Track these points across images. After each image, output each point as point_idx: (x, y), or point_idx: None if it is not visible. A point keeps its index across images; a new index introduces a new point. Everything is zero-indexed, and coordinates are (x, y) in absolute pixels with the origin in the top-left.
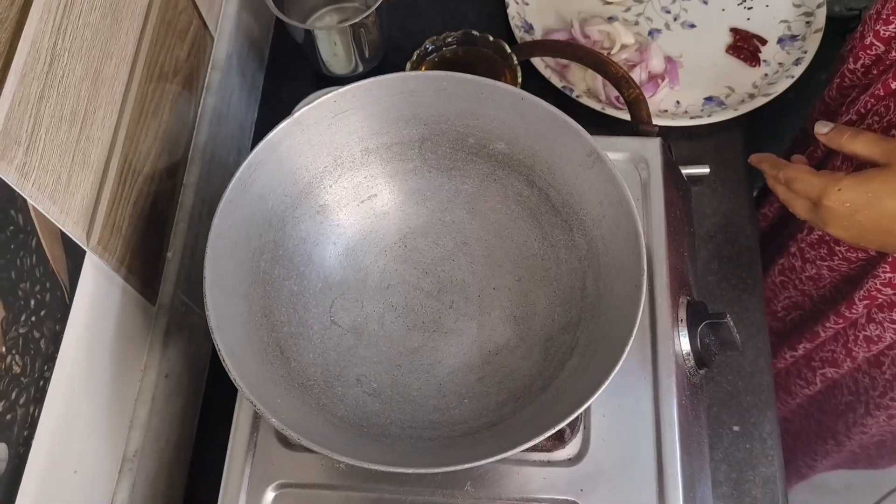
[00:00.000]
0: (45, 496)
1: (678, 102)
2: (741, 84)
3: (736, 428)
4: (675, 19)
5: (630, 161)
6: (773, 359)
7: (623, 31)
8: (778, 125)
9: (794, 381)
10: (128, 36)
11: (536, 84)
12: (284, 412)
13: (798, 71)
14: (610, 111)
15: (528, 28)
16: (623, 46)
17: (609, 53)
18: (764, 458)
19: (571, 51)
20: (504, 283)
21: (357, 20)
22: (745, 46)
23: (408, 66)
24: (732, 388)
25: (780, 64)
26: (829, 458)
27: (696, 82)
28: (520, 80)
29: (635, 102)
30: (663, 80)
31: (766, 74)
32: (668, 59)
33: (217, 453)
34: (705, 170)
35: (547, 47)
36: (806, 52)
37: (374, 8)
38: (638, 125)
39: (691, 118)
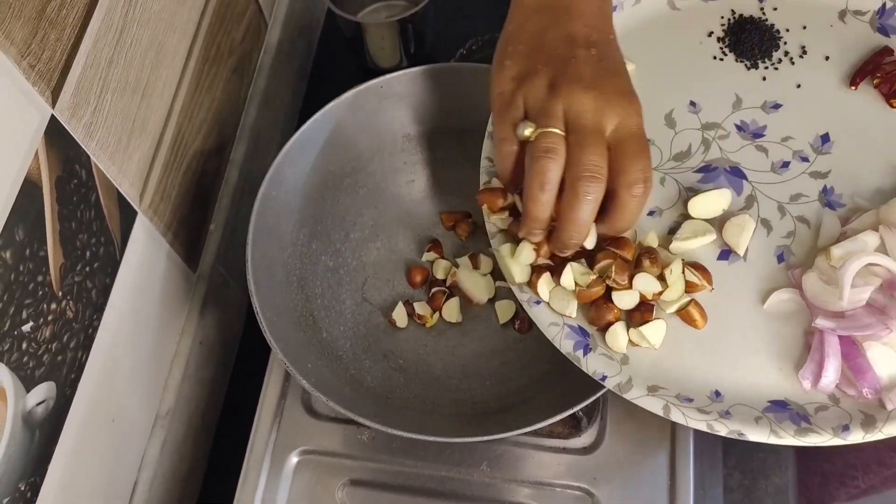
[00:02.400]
0: (86, 438)
1: None
2: None
3: None
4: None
5: None
6: None
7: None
8: None
9: None
10: (190, 13)
11: None
12: (314, 376)
13: None
14: None
15: None
16: None
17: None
18: (777, 468)
19: None
20: None
21: (405, 16)
22: None
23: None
24: None
25: None
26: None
27: None
28: None
29: None
30: None
31: None
32: None
33: (241, 426)
34: None
35: None
36: None
37: (422, 5)
38: None
39: None
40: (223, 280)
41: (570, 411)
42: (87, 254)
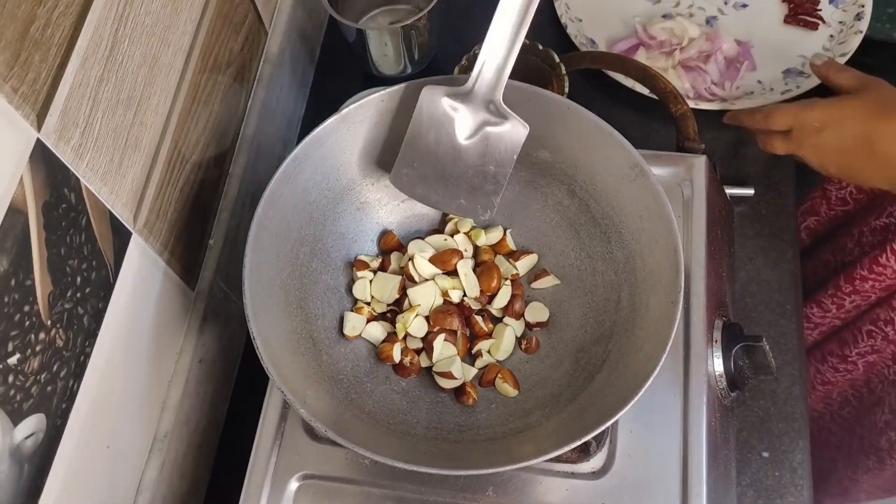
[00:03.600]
0: (78, 467)
1: (760, 82)
2: (812, 50)
3: (765, 454)
4: (725, 2)
5: (674, 178)
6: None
7: (687, 24)
8: None
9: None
10: (186, 26)
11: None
12: (313, 403)
13: (863, 25)
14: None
15: (591, 43)
16: (691, 40)
17: (680, 48)
18: (793, 488)
19: (620, 64)
20: (537, 292)
21: (408, 22)
22: (800, 12)
23: (456, 70)
24: (764, 413)
25: (840, 23)
26: (872, 474)
27: (768, 59)
28: (566, 90)
29: (682, 119)
30: (742, 63)
31: (831, 36)
32: (738, 42)
33: (244, 440)
34: (749, 191)
35: (596, 59)
36: (864, 6)
37: (426, 11)
38: (684, 142)
39: (782, 93)
40: (224, 294)
41: (583, 440)
42: (78, 279)
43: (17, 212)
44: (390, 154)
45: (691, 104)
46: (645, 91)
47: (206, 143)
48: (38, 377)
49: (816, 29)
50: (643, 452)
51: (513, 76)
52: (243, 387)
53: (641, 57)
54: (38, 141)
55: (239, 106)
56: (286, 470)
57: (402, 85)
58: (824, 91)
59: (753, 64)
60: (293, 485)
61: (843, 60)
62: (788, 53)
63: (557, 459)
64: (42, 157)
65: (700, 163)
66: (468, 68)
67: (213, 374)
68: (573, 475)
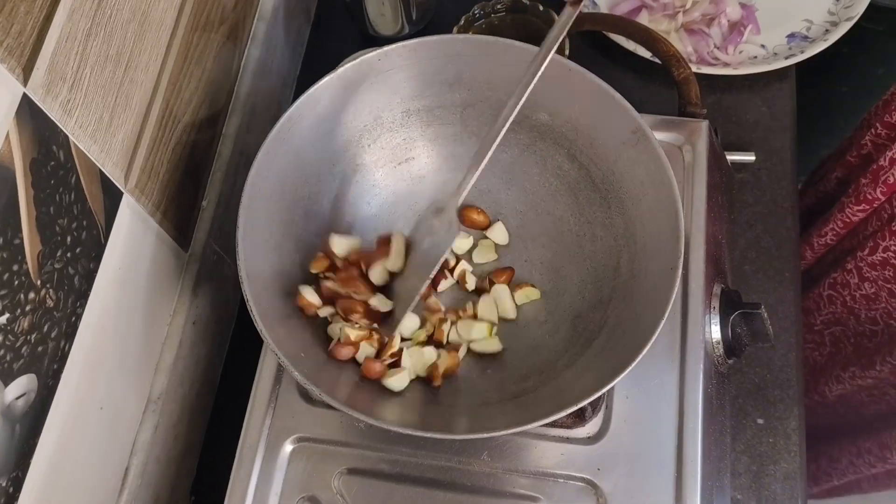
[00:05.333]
0: (71, 429)
1: (763, 46)
2: (817, 14)
3: (760, 421)
4: None
5: (675, 142)
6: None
7: None
8: (831, 118)
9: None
10: None
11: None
12: (308, 367)
13: None
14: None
15: (593, 5)
16: (695, 2)
17: (683, 10)
18: (787, 454)
19: (622, 26)
20: (536, 257)
21: None
22: None
23: (454, 30)
24: (760, 380)
25: None
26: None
27: (772, 23)
28: (567, 52)
29: (684, 83)
30: (745, 26)
31: (836, 0)
32: (742, 5)
33: (238, 403)
34: (751, 157)
35: (599, 20)
36: None
37: None
38: (686, 106)
39: (786, 58)
40: (217, 256)
41: (579, 406)
42: (68, 239)
43: (4, 168)
44: (388, 115)
45: (693, 69)
46: (646, 54)
47: (199, 102)
48: (29, 337)
49: None
50: (639, 418)
51: (512, 37)
52: (237, 350)
53: (644, 19)
54: (25, 96)
55: (232, 65)
56: (280, 432)
57: (400, 44)
58: (829, 57)
59: (758, 27)
60: (287, 447)
61: (848, 25)
62: (793, 17)
63: (553, 424)
64: (29, 113)
65: (702, 127)
66: (466, 28)
67: (207, 337)
68: (568, 440)
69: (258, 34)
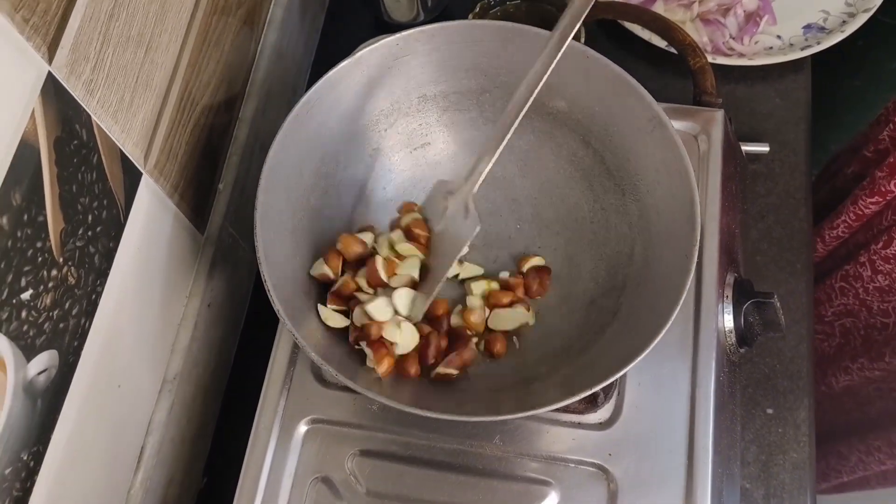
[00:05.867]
0: (90, 405)
1: (779, 37)
2: (834, 5)
3: (770, 410)
4: None
5: (690, 131)
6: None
7: None
8: (843, 111)
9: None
10: None
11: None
12: (323, 347)
13: None
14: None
15: None
16: None
17: (699, 0)
18: (796, 444)
19: (638, 15)
20: (550, 243)
21: None
22: None
23: (470, 17)
24: (770, 370)
25: None
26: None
27: (788, 14)
28: (583, 40)
29: (700, 72)
30: (761, 17)
31: None
32: None
33: (251, 386)
34: (765, 148)
35: (614, 9)
36: None
37: None
38: (701, 96)
39: (802, 49)
40: (232, 240)
41: (591, 391)
42: (90, 217)
43: (29, 146)
44: (405, 100)
45: (708, 59)
46: (661, 44)
47: (217, 86)
48: (51, 314)
49: None
50: (651, 405)
51: (529, 24)
52: (250, 333)
53: (659, 8)
54: (50, 74)
55: (249, 49)
56: (295, 414)
57: (418, 29)
58: (845, 48)
59: (774, 18)
60: (301, 428)
61: (865, 17)
62: (810, 7)
63: (565, 409)
64: (53, 91)
65: (718, 117)
66: (481, 15)
67: (222, 319)
68: (580, 425)
69: (275, 19)
